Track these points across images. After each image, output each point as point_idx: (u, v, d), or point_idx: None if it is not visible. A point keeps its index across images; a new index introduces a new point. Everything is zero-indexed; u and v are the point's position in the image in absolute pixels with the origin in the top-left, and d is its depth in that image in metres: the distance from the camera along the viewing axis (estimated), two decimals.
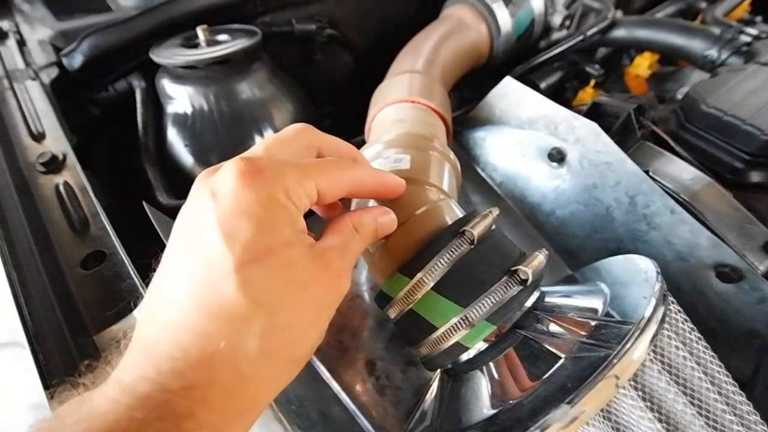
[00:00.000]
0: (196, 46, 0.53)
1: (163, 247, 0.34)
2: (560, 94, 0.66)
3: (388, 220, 0.28)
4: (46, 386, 0.27)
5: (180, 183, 0.51)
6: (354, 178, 0.26)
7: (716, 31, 0.59)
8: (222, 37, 0.54)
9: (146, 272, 0.33)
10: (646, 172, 0.40)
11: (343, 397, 0.36)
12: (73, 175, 0.42)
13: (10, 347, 0.29)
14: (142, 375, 0.19)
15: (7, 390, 0.30)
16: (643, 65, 0.69)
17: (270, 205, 0.21)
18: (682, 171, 0.41)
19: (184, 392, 0.19)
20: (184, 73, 0.52)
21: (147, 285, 0.32)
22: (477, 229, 0.28)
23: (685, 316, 0.26)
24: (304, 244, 0.22)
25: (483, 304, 0.26)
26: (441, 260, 0.27)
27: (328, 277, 0.23)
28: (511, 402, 0.24)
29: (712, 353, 0.26)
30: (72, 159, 0.43)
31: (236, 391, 0.20)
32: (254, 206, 0.21)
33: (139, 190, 0.48)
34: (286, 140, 0.25)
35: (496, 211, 0.30)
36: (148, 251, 0.44)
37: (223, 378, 0.19)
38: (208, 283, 0.20)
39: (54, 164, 0.42)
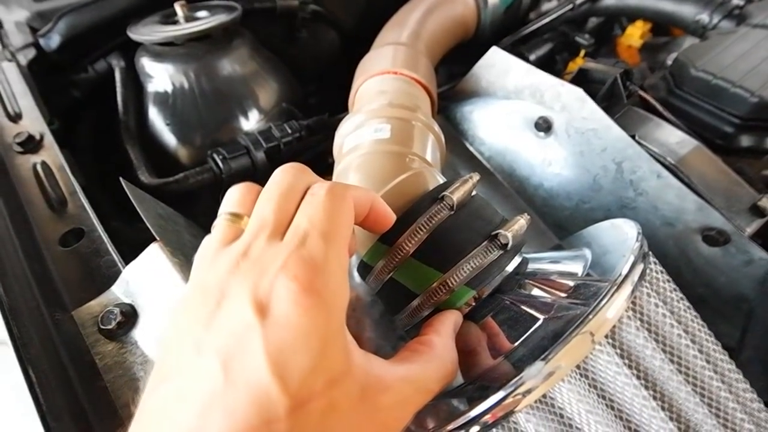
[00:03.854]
0: (174, 22, 0.52)
1: (142, 224, 0.34)
2: (550, 66, 0.65)
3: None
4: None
5: (162, 162, 0.50)
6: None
7: None
8: (201, 13, 0.53)
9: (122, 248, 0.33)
10: (633, 137, 0.39)
11: None
12: (51, 154, 0.41)
13: None
14: None
15: None
16: (635, 35, 0.68)
17: (326, 335, 0.18)
18: (669, 135, 0.40)
19: None
20: (163, 51, 0.51)
21: (126, 262, 0.32)
22: (456, 194, 0.27)
23: (668, 277, 0.26)
24: (354, 379, 0.18)
25: (462, 269, 0.26)
26: (420, 226, 0.27)
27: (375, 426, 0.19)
28: (489, 365, 0.24)
29: (695, 313, 0.26)
30: (49, 139, 0.42)
31: None
32: (311, 338, 0.17)
33: (121, 170, 0.47)
34: (337, 212, 0.21)
35: (476, 177, 0.29)
36: (128, 230, 0.44)
37: None
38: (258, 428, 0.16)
39: (31, 144, 0.42)
